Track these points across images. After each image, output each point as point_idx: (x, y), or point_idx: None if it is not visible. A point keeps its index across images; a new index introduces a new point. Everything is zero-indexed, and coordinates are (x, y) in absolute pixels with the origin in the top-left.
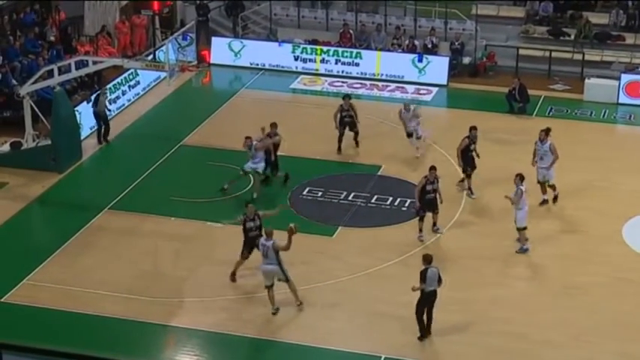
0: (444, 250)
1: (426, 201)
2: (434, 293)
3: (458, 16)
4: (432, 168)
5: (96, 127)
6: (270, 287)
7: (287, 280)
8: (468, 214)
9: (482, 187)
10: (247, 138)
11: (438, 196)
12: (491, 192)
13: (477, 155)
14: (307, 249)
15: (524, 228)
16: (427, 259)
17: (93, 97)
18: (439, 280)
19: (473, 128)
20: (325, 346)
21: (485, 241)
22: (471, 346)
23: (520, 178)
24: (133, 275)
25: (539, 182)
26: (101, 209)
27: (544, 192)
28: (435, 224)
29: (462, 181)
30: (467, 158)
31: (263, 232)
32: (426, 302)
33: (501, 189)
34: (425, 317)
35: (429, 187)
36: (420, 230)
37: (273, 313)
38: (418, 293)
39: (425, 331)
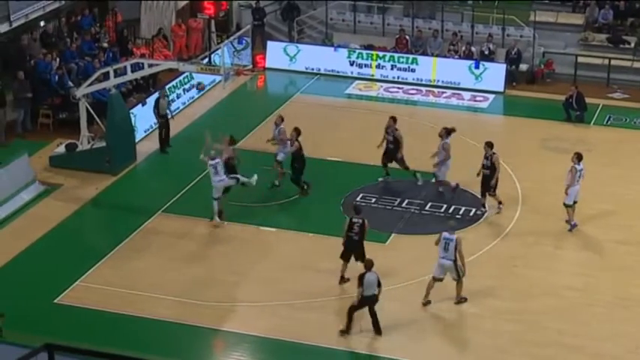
0: (497, 258)
1: (484, 178)
2: (372, 297)
3: (516, 22)
4: (488, 144)
5: (155, 129)
6: (438, 280)
7: (459, 279)
8: (523, 223)
9: (538, 196)
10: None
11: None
12: (547, 201)
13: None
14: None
15: (571, 205)
16: (367, 265)
17: (153, 100)
18: (378, 285)
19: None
20: (374, 353)
21: (539, 250)
22: (524, 356)
23: (578, 157)
24: (185, 279)
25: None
26: (154, 212)
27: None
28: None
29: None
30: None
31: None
32: (363, 306)
33: (557, 198)
34: (370, 317)
35: (484, 162)
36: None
37: (424, 304)
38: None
39: (349, 328)
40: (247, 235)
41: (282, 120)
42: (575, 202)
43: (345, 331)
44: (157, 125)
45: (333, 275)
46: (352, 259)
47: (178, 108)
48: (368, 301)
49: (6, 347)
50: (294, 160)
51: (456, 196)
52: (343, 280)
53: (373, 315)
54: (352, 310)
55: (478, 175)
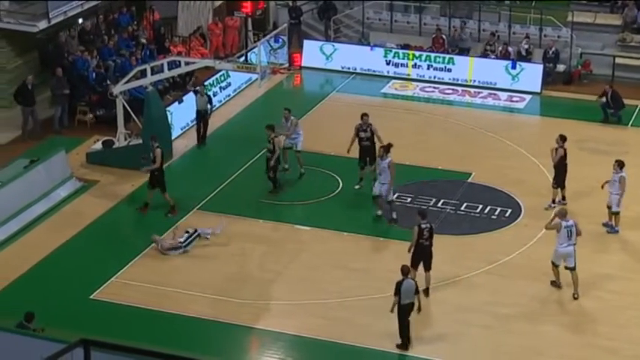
0: (535, 260)
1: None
2: (410, 305)
3: (553, 22)
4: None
5: (192, 126)
6: (557, 266)
7: (574, 268)
8: None
9: (574, 198)
10: (286, 110)
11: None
12: (584, 203)
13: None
14: (395, 255)
15: (618, 212)
16: (404, 272)
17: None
18: (416, 292)
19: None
20: (408, 353)
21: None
22: (559, 358)
23: (619, 164)
24: (221, 277)
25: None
26: (190, 210)
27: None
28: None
29: (554, 201)
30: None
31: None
32: (404, 315)
33: (595, 200)
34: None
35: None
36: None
37: (559, 286)
38: (502, 304)
39: (407, 341)
40: (282, 234)
41: (290, 112)
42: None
43: (404, 346)
44: (196, 120)
45: (366, 275)
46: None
47: (215, 106)
48: (407, 309)
49: (42, 342)
50: (269, 158)
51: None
52: (426, 291)
53: (408, 325)
54: (401, 322)
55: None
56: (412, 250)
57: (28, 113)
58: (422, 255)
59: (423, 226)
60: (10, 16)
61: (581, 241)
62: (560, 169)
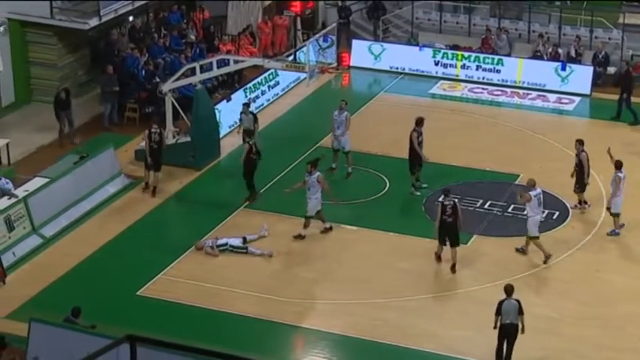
0: (579, 264)
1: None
2: (511, 326)
3: (604, 24)
4: (577, 141)
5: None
6: (537, 237)
7: (538, 237)
8: (607, 228)
9: (624, 203)
10: (342, 101)
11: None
12: (634, 208)
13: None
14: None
15: (618, 214)
16: (507, 291)
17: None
18: (519, 312)
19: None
20: (452, 354)
21: (622, 255)
22: None
23: (617, 164)
24: (266, 275)
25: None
26: (236, 208)
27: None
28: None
29: (580, 203)
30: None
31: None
32: (503, 335)
33: None
34: (504, 351)
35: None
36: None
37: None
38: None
39: None
40: (328, 233)
41: (346, 104)
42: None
43: None
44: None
45: (412, 275)
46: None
47: (262, 105)
48: (507, 329)
49: (89, 337)
50: (245, 162)
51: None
52: (439, 259)
53: (509, 346)
54: (499, 349)
55: (572, 176)
56: (437, 227)
57: (63, 117)
58: (446, 231)
59: (446, 202)
60: (62, 13)
61: (626, 244)
62: (582, 172)
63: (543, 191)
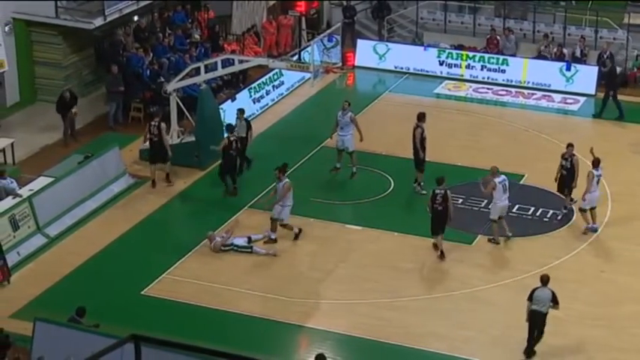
0: (584, 263)
1: (560, 176)
2: (539, 314)
3: (609, 24)
4: (569, 145)
5: None
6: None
7: (496, 220)
8: (611, 228)
9: (627, 201)
10: (346, 102)
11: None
12: (637, 206)
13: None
14: (445, 256)
15: (586, 210)
16: (542, 280)
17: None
18: (554, 302)
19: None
20: (457, 354)
21: (627, 255)
22: None
23: (594, 162)
24: (271, 275)
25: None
26: (241, 207)
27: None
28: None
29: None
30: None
31: None
32: (532, 322)
33: None
34: (531, 334)
35: (563, 163)
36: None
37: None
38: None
39: (529, 349)
40: (332, 233)
41: (349, 105)
42: (593, 208)
43: (527, 356)
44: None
45: (417, 275)
46: None
47: (267, 104)
48: (535, 316)
49: (93, 337)
50: (222, 156)
51: None
52: (442, 254)
53: (539, 335)
54: (530, 336)
55: (556, 180)
56: (431, 216)
57: (67, 119)
58: (438, 219)
59: (437, 191)
60: (67, 13)
61: (631, 245)
62: (573, 176)
63: (547, 191)
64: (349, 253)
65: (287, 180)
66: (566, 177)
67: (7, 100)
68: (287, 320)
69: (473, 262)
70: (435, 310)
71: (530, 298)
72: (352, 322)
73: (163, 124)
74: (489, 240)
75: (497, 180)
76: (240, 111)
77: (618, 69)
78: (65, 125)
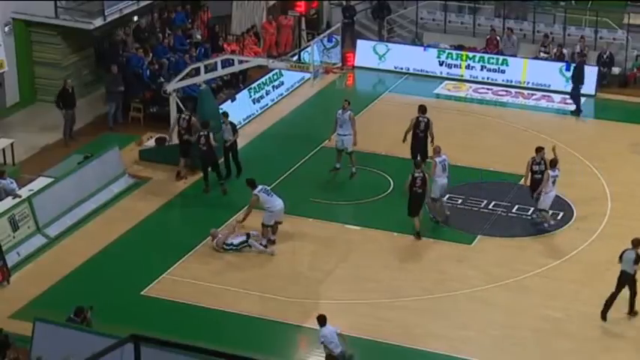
0: (584, 263)
1: (533, 180)
2: (626, 274)
3: (609, 25)
4: (539, 149)
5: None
6: (436, 200)
7: (437, 200)
8: (611, 228)
9: (627, 201)
10: (345, 101)
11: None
12: (636, 206)
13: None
14: (445, 256)
15: (545, 210)
16: (633, 242)
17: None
18: (635, 263)
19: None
20: (456, 354)
21: None
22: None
23: (551, 163)
24: (270, 275)
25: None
26: (241, 207)
27: None
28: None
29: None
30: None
31: None
32: (621, 282)
33: None
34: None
35: (535, 168)
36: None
37: (418, 235)
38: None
39: (606, 309)
40: (332, 233)
41: (349, 104)
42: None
43: (604, 313)
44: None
45: (416, 275)
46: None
47: (267, 105)
48: (623, 276)
49: (92, 337)
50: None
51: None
52: (418, 235)
53: (633, 294)
54: (613, 295)
55: (527, 184)
56: (408, 199)
57: (69, 116)
58: (417, 202)
59: (416, 174)
60: (67, 13)
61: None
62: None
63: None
64: (349, 253)
65: (254, 193)
66: (540, 181)
67: (7, 101)
68: (286, 320)
69: (473, 262)
70: (434, 311)
71: (621, 259)
72: (352, 322)
73: (194, 119)
74: (431, 219)
75: (437, 159)
76: (224, 114)
77: (618, 69)
78: (65, 124)
